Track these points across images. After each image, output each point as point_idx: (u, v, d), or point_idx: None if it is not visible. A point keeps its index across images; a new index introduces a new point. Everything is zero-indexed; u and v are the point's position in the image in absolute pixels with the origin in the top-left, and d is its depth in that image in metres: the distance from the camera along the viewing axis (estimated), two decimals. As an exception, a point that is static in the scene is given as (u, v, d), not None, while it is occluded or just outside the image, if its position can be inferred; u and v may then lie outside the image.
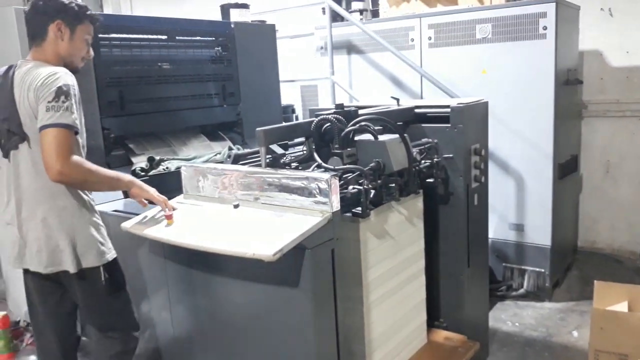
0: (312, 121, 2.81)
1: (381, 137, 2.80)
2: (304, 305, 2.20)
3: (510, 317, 4.64)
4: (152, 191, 2.50)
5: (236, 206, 2.47)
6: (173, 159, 3.57)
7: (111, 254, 2.56)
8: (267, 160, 2.57)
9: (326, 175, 2.20)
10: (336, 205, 2.25)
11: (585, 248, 6.01)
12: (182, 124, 3.99)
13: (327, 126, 2.84)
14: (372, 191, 2.61)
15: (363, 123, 2.78)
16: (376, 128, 2.96)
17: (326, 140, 2.88)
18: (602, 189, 5.86)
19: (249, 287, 2.39)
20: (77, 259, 2.39)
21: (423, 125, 3.42)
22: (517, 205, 4.84)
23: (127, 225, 2.50)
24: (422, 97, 5.12)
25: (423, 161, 3.16)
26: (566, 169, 5.03)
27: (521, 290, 4.94)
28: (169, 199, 2.77)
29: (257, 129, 2.49)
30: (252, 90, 4.42)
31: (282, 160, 2.77)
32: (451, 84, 4.80)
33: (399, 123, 3.54)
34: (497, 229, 4.84)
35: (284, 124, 3.10)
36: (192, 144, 3.89)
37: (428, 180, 3.19)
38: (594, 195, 5.90)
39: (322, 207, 2.25)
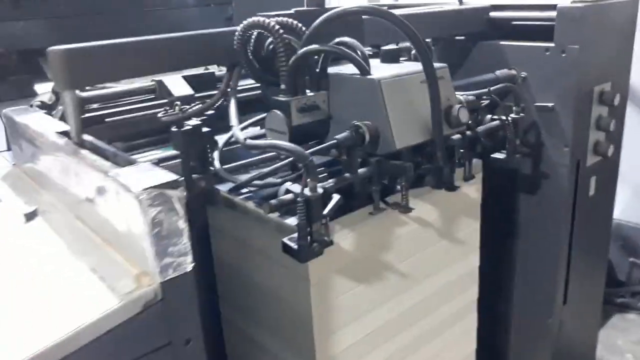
0: (234, 31, 1.33)
1: (378, 69, 1.26)
2: None
3: (632, 346, 3.04)
4: None
5: (30, 217, 1.13)
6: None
7: None
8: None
9: (136, 189, 0.77)
10: (169, 267, 0.83)
11: None
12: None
13: (271, 44, 1.35)
14: (337, 197, 1.13)
15: (343, 41, 1.25)
16: (385, 49, 1.43)
17: (275, 72, 1.40)
18: None
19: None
20: None
21: (503, 43, 1.80)
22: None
23: None
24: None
25: (489, 116, 1.59)
26: None
27: (655, 301, 3.27)
28: None
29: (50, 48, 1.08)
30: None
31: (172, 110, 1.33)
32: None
33: (458, 37, 1.96)
34: (627, 208, 3.16)
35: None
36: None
37: (496, 155, 1.62)
38: None
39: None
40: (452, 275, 1.66)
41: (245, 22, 1.30)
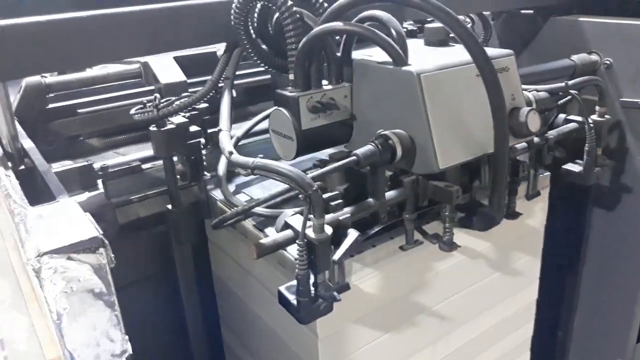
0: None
1: (418, 57, 0.93)
2: None
3: None
4: None
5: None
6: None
7: None
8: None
9: (29, 253, 0.49)
10: None
11: None
12: None
13: (278, 19, 1.03)
14: (354, 234, 0.82)
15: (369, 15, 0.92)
16: (431, 27, 1.10)
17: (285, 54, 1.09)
18: None
19: None
20: None
21: (583, 19, 1.43)
22: None
23: None
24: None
25: (563, 116, 1.26)
26: None
27: None
28: None
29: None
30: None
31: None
32: None
33: (525, 11, 1.62)
34: None
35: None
36: None
37: (570, 167, 1.27)
38: None
39: None
40: (504, 313, 1.33)
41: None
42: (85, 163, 1.09)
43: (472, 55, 0.86)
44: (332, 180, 1.04)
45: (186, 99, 1.00)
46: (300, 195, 0.76)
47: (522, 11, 1.56)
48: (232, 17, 1.02)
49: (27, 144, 0.87)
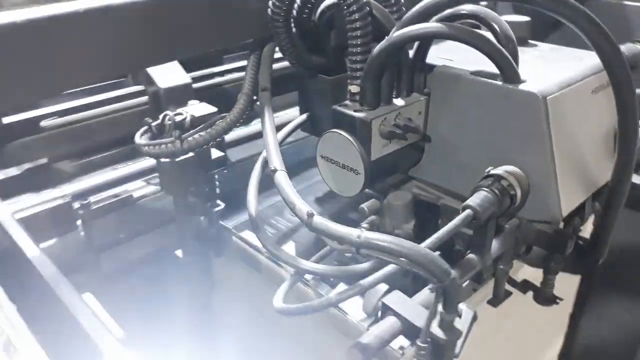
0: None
1: (525, 69, 0.71)
2: None
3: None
4: None
5: None
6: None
7: None
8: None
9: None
10: None
11: None
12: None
13: (329, 9, 0.78)
14: (469, 311, 0.62)
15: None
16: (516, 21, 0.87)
17: (323, 52, 0.85)
18: None
19: None
20: None
21: (629, 3, 1.26)
22: None
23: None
24: None
25: None
26: None
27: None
28: None
29: None
30: None
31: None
32: None
33: None
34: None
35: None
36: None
37: None
38: None
39: None
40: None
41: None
42: (61, 202, 0.80)
43: (607, 65, 0.66)
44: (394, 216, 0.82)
45: (217, 126, 0.72)
46: (430, 286, 0.54)
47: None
48: (271, 4, 0.75)
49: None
